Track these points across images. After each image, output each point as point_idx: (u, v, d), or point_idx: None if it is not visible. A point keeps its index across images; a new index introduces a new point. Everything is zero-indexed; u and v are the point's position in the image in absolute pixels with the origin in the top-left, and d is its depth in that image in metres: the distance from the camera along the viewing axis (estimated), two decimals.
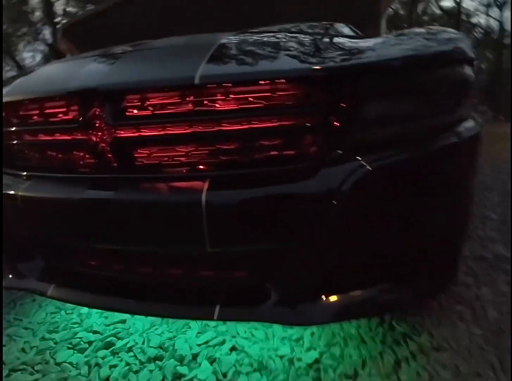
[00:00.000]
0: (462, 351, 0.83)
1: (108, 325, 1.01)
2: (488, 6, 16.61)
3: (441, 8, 18.04)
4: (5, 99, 0.75)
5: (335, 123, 0.65)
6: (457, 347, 0.84)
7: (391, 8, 16.81)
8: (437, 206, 0.72)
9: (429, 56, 0.71)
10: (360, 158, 0.64)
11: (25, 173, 0.79)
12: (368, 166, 0.63)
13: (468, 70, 0.74)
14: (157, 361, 0.86)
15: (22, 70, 14.53)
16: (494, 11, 16.57)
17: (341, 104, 0.65)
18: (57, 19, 14.20)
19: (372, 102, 0.68)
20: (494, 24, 16.63)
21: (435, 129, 0.72)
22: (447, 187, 0.72)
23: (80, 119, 0.68)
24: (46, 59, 15.42)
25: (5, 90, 0.79)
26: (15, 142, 0.79)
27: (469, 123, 0.77)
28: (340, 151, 0.65)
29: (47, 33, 14.71)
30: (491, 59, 16.78)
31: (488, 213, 1.80)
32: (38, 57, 15.84)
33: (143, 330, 0.98)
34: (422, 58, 0.70)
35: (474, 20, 17.54)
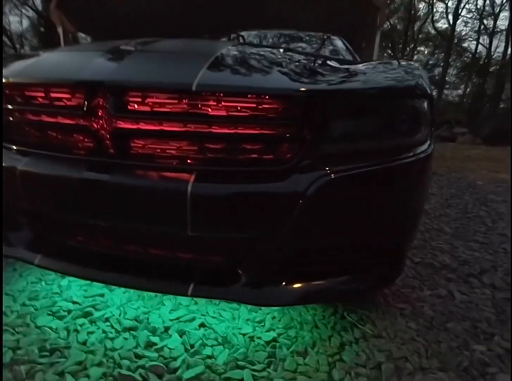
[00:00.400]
0: (397, 340, 0.98)
1: (87, 297, 1.09)
2: (479, 33, 17.50)
3: (435, 29, 18.76)
4: (17, 79, 0.81)
5: (309, 137, 0.76)
6: (394, 337, 0.99)
7: (389, 22, 17.32)
8: (388, 213, 0.85)
9: (401, 89, 0.84)
10: (326, 168, 0.76)
11: (25, 149, 0.85)
12: (331, 176, 0.75)
13: (426, 104, 0.88)
14: (131, 331, 0.95)
15: (8, 36, 13.74)
16: (484, 39, 17.50)
17: (318, 121, 0.76)
18: None
19: (345, 122, 0.80)
20: (483, 51, 17.54)
21: (394, 150, 0.84)
22: (397, 197, 0.85)
23: (85, 107, 0.75)
24: (34, 28, 14.69)
25: (15, 70, 0.84)
26: (21, 120, 0.84)
27: (423, 147, 0.90)
28: (311, 161, 0.77)
29: None
30: (476, 83, 17.68)
31: (444, 227, 2.00)
32: (25, 23, 15.10)
33: (120, 304, 1.07)
34: (396, 90, 0.83)
35: (464, 44, 18.41)
